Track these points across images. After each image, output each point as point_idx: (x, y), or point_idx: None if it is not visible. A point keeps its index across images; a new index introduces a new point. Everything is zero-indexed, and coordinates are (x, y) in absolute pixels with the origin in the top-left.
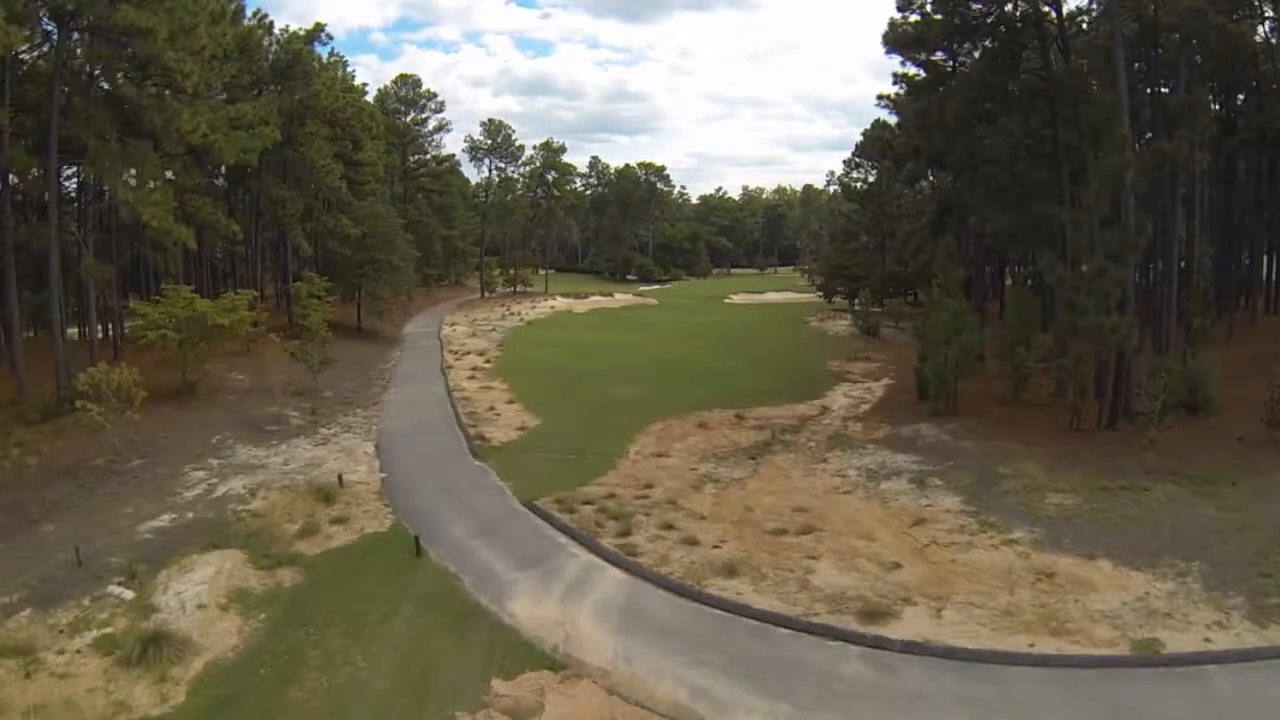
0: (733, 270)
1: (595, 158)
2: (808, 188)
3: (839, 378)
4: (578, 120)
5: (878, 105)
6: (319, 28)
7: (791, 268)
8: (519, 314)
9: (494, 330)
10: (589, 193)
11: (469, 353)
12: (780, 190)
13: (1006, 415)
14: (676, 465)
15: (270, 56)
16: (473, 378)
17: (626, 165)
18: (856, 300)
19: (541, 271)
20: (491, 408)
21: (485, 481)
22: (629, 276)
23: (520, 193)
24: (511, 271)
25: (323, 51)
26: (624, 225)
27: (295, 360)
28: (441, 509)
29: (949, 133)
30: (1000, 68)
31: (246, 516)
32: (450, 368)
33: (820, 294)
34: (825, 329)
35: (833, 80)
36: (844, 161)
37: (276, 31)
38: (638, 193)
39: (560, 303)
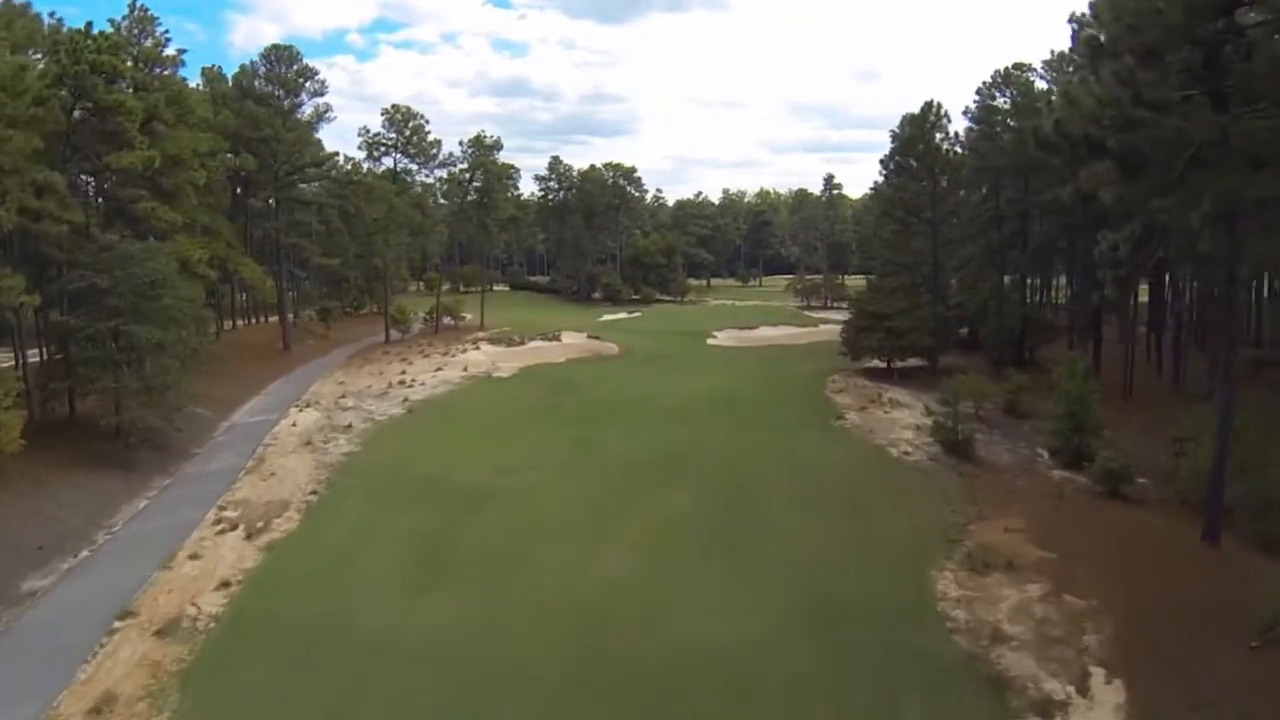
0: (712, 283)
1: (555, 158)
2: (800, 192)
3: (990, 668)
4: (555, 122)
5: (1070, 24)
6: None
7: (784, 284)
8: (413, 384)
9: (350, 426)
10: (549, 198)
11: (238, 525)
12: (763, 194)
13: None
14: None
15: None
16: None
17: (591, 167)
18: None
19: (490, 286)
20: None
21: None
22: (594, 295)
23: (435, 201)
24: (434, 295)
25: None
26: (588, 236)
27: None
28: None
29: None
30: None
31: None
32: (115, 631)
33: (844, 350)
34: (874, 432)
35: (808, 82)
36: (880, 160)
37: None
38: (604, 198)
39: (484, 354)
